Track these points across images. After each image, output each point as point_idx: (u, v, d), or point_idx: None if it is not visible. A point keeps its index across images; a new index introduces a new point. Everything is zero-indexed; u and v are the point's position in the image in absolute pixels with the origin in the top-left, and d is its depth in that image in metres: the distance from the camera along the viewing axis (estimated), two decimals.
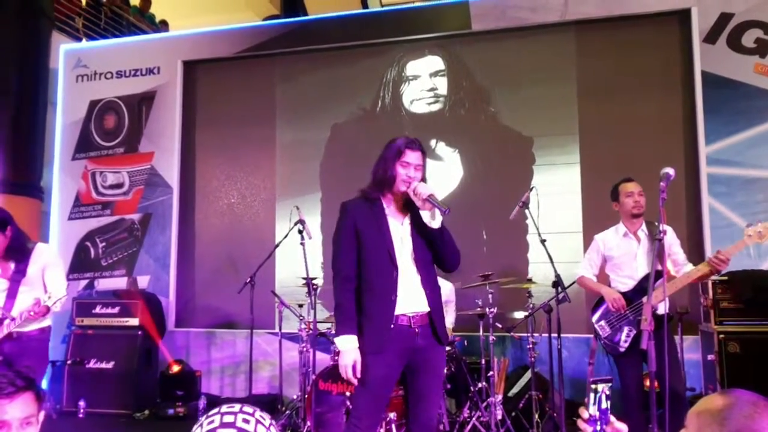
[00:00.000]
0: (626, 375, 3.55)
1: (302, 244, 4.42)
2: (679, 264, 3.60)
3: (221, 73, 6.80)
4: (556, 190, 5.62)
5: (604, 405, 1.35)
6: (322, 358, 4.93)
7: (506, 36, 6.08)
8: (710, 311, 4.45)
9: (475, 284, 4.61)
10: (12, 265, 3.36)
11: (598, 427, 1.34)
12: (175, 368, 5.87)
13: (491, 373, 4.44)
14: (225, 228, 6.58)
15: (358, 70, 6.42)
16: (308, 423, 4.21)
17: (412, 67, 6.29)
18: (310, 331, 4.65)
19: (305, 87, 6.52)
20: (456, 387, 4.64)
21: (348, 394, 3.97)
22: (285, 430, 4.68)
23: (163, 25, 10.24)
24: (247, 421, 1.39)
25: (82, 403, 5.50)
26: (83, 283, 6.73)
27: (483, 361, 4.55)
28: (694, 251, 4.99)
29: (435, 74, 6.22)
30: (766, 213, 5.02)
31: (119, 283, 6.61)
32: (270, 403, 5.37)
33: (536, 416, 4.29)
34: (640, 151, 5.41)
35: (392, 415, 3.77)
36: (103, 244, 6.76)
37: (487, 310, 4.46)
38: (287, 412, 4.90)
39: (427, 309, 2.59)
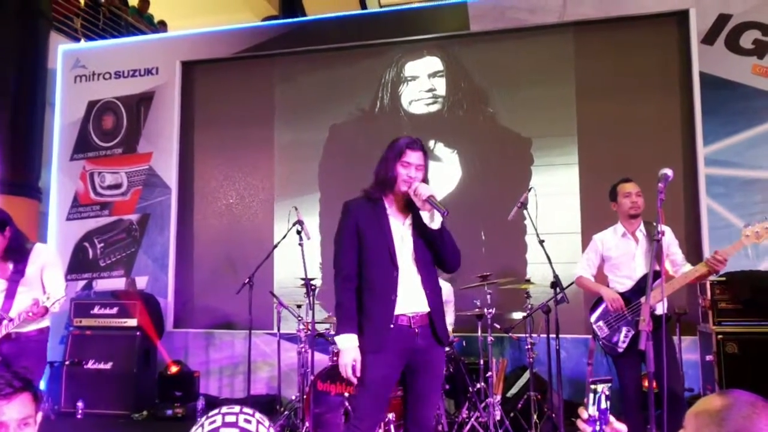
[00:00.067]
0: (625, 375, 3.55)
1: (301, 244, 4.41)
2: (677, 264, 3.61)
3: (220, 74, 6.80)
4: (554, 190, 5.63)
5: (603, 405, 1.35)
6: (321, 359, 4.93)
7: (505, 37, 6.09)
8: (708, 312, 4.45)
9: (474, 285, 4.61)
10: (10, 266, 3.35)
11: (598, 428, 1.34)
12: (174, 369, 5.87)
13: (490, 373, 4.44)
14: (223, 228, 6.58)
15: (356, 70, 6.42)
16: (307, 423, 4.21)
17: (411, 67, 6.29)
18: (309, 332, 4.65)
19: (304, 87, 6.52)
20: (455, 388, 4.64)
21: (347, 394, 3.97)
22: (284, 431, 4.68)
23: (162, 26, 10.23)
24: (248, 422, 1.40)
25: (80, 404, 5.50)
26: (81, 283, 6.73)
27: (481, 362, 4.55)
28: (693, 252, 5.00)
29: (433, 75, 6.23)
30: (764, 213, 4.98)
31: (117, 283, 6.60)
32: (268, 404, 5.36)
33: (535, 417, 4.30)
34: (639, 152, 5.42)
35: (391, 416, 3.77)
36: (102, 244, 6.75)
37: (485, 310, 4.46)
38: (286, 412, 4.90)
39: (427, 309, 2.60)
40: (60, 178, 7.00)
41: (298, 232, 4.45)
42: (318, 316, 4.86)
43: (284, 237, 4.79)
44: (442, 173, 5.96)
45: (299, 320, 4.87)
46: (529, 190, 4.34)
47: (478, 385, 4.44)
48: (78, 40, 7.84)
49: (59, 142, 7.05)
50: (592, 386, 1.35)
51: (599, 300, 3.70)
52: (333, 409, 4.14)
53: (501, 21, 6.02)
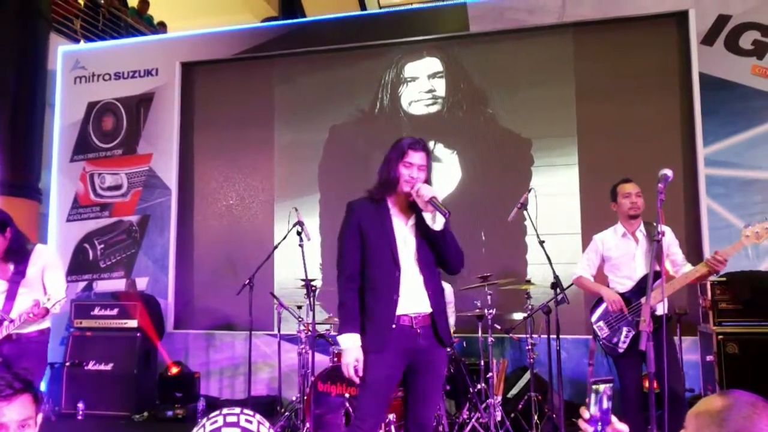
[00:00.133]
0: (625, 376, 3.55)
1: (301, 245, 4.42)
2: (677, 264, 3.61)
3: (219, 75, 6.80)
4: (554, 191, 5.64)
5: (605, 405, 1.35)
6: (321, 360, 4.93)
7: (504, 38, 6.10)
8: (709, 312, 4.45)
9: (474, 285, 4.62)
10: (11, 267, 3.35)
11: (599, 428, 1.34)
12: (174, 370, 5.87)
13: (490, 374, 4.44)
14: (223, 230, 6.58)
15: (356, 71, 6.42)
16: (307, 424, 4.21)
17: (411, 68, 6.30)
18: (309, 333, 4.65)
19: (303, 88, 6.52)
20: (455, 388, 4.64)
21: (347, 395, 3.97)
22: None
23: (161, 27, 10.23)
24: (249, 422, 1.42)
25: (80, 405, 5.50)
26: (82, 285, 6.73)
27: (482, 363, 4.55)
28: (693, 252, 5.00)
29: (433, 76, 6.23)
30: (764, 214, 5.02)
31: (118, 284, 6.60)
32: (269, 405, 5.37)
33: (535, 417, 4.31)
34: (639, 153, 5.42)
35: (391, 417, 3.77)
36: (102, 245, 6.75)
37: (485, 311, 4.46)
38: (286, 413, 4.89)
39: (429, 310, 2.60)
40: (60, 180, 7.00)
41: (299, 233, 4.46)
42: (318, 317, 4.86)
43: (284, 238, 4.79)
44: (442, 174, 5.96)
45: (300, 321, 4.87)
46: (529, 191, 4.34)
47: (479, 386, 4.45)
48: (78, 41, 7.84)
49: (59, 144, 7.05)
50: (594, 386, 1.35)
51: (600, 300, 3.70)
52: (333, 410, 4.14)
53: (500, 22, 6.02)
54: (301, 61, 6.56)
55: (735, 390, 1.27)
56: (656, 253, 2.87)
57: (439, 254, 2.64)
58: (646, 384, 2.95)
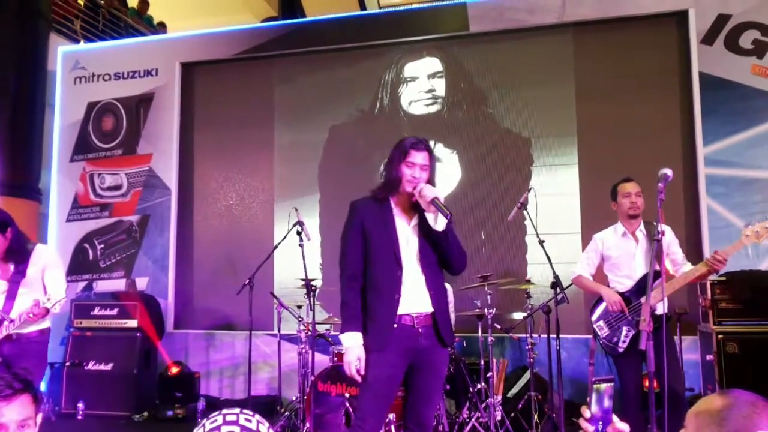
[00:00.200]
0: (625, 375, 3.55)
1: (301, 245, 4.42)
2: (677, 263, 3.61)
3: (219, 75, 6.80)
4: (554, 191, 5.64)
5: (606, 405, 1.35)
6: (321, 360, 4.93)
7: (504, 38, 6.10)
8: (709, 312, 4.45)
9: (474, 285, 4.62)
10: (12, 267, 3.35)
11: (600, 427, 1.35)
12: (174, 370, 5.86)
13: (490, 374, 4.44)
14: (223, 229, 6.58)
15: (356, 71, 6.42)
16: (307, 424, 4.21)
17: (410, 68, 6.30)
18: (309, 333, 4.65)
19: (303, 88, 6.52)
20: (455, 388, 4.64)
21: (347, 395, 3.97)
22: None
23: (161, 27, 10.23)
24: (249, 421, 1.43)
25: (80, 405, 5.50)
26: (82, 285, 6.73)
27: (482, 362, 4.55)
28: (693, 252, 5.00)
29: (433, 76, 6.23)
30: (764, 213, 4.99)
31: (118, 284, 6.60)
32: (269, 405, 5.36)
33: (535, 417, 4.30)
34: (638, 153, 5.42)
35: (391, 417, 3.77)
36: (102, 245, 6.75)
37: (485, 311, 4.46)
38: (286, 413, 4.89)
39: (431, 310, 2.60)
40: (60, 180, 7.00)
41: (299, 233, 4.46)
42: (318, 317, 4.86)
43: (284, 238, 4.80)
44: (442, 174, 5.93)
45: (300, 321, 4.87)
46: (529, 191, 4.35)
47: (479, 386, 4.44)
48: (77, 41, 7.84)
49: (59, 144, 7.05)
50: (595, 386, 1.35)
51: (599, 300, 3.70)
52: (334, 410, 4.14)
53: (500, 22, 6.02)
54: (301, 61, 6.56)
55: (735, 389, 1.28)
56: (656, 252, 2.87)
57: (442, 255, 2.64)
58: (646, 383, 2.95)
